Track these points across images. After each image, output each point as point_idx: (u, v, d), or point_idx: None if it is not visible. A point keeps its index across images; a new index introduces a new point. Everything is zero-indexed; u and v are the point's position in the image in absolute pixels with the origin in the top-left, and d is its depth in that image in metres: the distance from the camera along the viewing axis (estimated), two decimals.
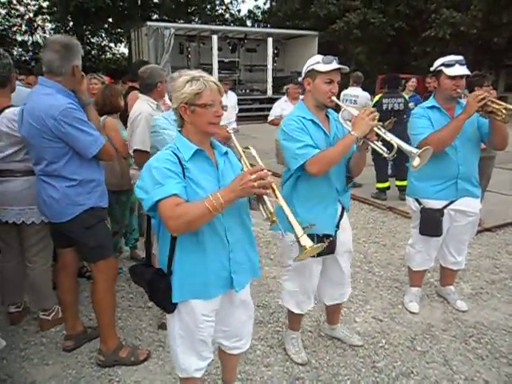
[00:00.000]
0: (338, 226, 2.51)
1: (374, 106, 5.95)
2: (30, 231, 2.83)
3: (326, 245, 2.39)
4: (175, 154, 1.76)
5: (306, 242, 1.70)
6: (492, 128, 2.77)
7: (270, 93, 17.45)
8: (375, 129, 2.17)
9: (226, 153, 1.93)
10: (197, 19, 27.63)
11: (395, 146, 2.12)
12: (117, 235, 3.77)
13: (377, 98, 6.05)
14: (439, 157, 2.86)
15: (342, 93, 6.67)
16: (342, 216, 2.54)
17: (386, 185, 6.12)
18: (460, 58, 2.81)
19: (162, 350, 2.80)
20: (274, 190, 1.69)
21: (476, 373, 2.58)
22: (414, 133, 2.92)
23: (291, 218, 1.73)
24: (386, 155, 2.18)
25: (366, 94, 6.50)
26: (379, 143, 2.20)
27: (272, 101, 17.51)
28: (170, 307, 1.84)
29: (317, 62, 2.31)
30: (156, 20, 23.64)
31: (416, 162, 2.15)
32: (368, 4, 20.58)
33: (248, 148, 1.88)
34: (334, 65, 2.27)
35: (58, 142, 2.32)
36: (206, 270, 1.80)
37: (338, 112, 2.46)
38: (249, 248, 1.97)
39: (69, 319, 2.80)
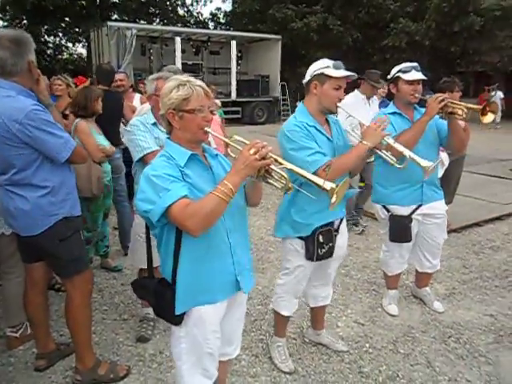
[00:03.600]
0: (337, 231, 2.51)
1: None
2: (2, 242, 2.63)
3: (326, 250, 2.42)
4: (171, 161, 1.69)
5: (331, 184, 1.70)
6: (451, 130, 2.85)
7: (234, 96, 17.42)
8: (386, 139, 2.24)
9: (217, 155, 1.89)
10: (158, 20, 27.19)
11: (407, 156, 2.22)
12: (89, 244, 3.59)
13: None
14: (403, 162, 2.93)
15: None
16: (341, 220, 2.55)
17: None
18: (415, 64, 2.90)
19: (143, 365, 2.68)
20: (275, 160, 1.66)
21: (458, 373, 2.63)
22: None
23: (305, 173, 1.73)
24: (397, 166, 2.26)
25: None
26: (388, 153, 2.28)
27: (236, 104, 17.63)
28: (176, 319, 1.77)
29: (327, 66, 2.28)
30: (116, 20, 23.05)
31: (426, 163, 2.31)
32: (328, 10, 20.99)
33: (231, 137, 1.82)
34: (344, 72, 2.27)
35: (25, 147, 2.13)
36: (212, 276, 1.76)
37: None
38: (247, 250, 1.95)
39: (40, 338, 2.61)
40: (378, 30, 20.75)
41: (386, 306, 3.36)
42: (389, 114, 3.00)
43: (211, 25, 28.72)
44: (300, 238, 2.45)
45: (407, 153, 2.20)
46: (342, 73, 2.25)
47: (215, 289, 1.77)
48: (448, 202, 5.03)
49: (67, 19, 24.95)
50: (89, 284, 2.52)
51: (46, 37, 25.48)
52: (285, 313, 2.65)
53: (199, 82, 1.71)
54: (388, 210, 3.10)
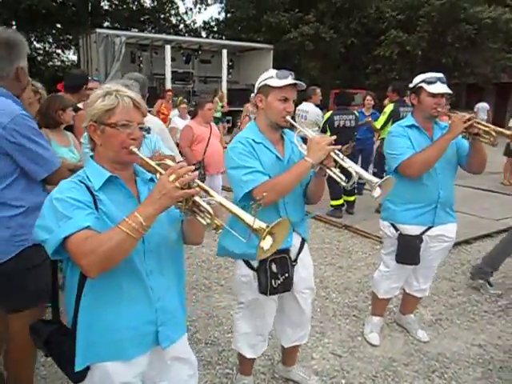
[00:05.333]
0: (296, 261, 2.23)
1: (325, 123, 5.83)
2: None
3: (281, 281, 2.14)
4: (82, 183, 1.42)
5: (261, 224, 1.35)
6: (473, 151, 2.62)
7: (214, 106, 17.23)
8: (332, 154, 1.93)
9: (152, 179, 1.60)
10: (150, 28, 27.06)
11: (354, 174, 1.90)
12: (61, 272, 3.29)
13: (328, 114, 5.91)
14: (419, 180, 2.69)
15: (297, 108, 6.51)
16: (301, 248, 2.27)
17: (340, 202, 5.97)
18: (441, 75, 2.65)
19: None
20: (203, 189, 1.38)
21: None
22: (395, 153, 2.69)
23: (233, 208, 1.38)
24: (343, 184, 1.95)
25: (317, 110, 6.36)
26: (337, 170, 1.97)
27: (227, 113, 17.43)
28: (77, 376, 1.45)
29: (270, 76, 2.04)
30: (107, 28, 22.88)
31: (376, 192, 1.90)
32: (320, 19, 20.98)
33: (162, 159, 1.53)
34: (289, 80, 2.00)
35: (2, 158, 1.86)
36: (122, 325, 1.45)
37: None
38: (180, 294, 1.65)
39: None
40: (371, 38, 20.75)
41: (368, 335, 3.10)
42: (406, 126, 2.76)
43: (204, 33, 28.65)
44: (251, 268, 2.18)
45: (353, 170, 1.91)
46: (286, 81, 1.99)
47: (126, 341, 1.46)
48: None
49: (58, 25, 24.77)
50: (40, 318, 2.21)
51: (35, 43, 25.20)
52: (250, 355, 2.38)
53: (130, 93, 1.45)
54: (397, 229, 2.84)
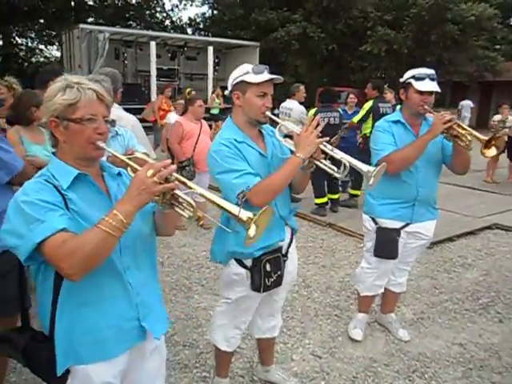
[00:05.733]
0: (286, 255, 2.20)
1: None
2: None
3: (274, 279, 2.11)
4: (49, 183, 1.34)
5: (247, 214, 1.37)
6: (455, 151, 2.58)
7: (210, 102, 17.09)
8: (321, 146, 1.90)
9: (120, 174, 1.54)
10: (135, 25, 26.73)
11: (347, 164, 1.87)
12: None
13: (312, 111, 5.89)
14: (398, 176, 2.67)
15: (280, 105, 6.45)
16: (291, 241, 2.25)
17: (324, 200, 5.94)
18: (431, 72, 2.59)
19: None
20: (182, 182, 1.35)
21: None
22: (377, 148, 2.69)
23: (217, 200, 1.39)
24: (337, 175, 1.93)
25: (301, 108, 6.31)
26: (327, 162, 1.94)
27: (224, 109, 17.29)
28: (56, 381, 1.40)
29: (246, 72, 1.97)
30: (91, 24, 22.53)
31: (372, 180, 1.90)
32: (307, 18, 20.95)
33: (133, 154, 1.49)
34: (266, 75, 1.94)
35: None
36: (104, 324, 1.41)
37: (273, 126, 2.16)
38: (156, 288, 1.64)
39: None
40: (357, 37, 20.79)
41: (351, 330, 3.07)
42: (392, 121, 2.73)
43: (189, 30, 28.41)
44: (244, 267, 2.13)
45: (346, 161, 1.88)
46: (263, 77, 1.93)
47: (108, 341, 1.42)
48: None
49: (41, 21, 24.32)
50: None
51: (17, 39, 24.72)
52: (224, 347, 2.31)
53: (92, 85, 1.38)
54: (376, 223, 2.83)
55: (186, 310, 3.42)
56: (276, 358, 2.71)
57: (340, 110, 6.13)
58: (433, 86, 2.54)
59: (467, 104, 17.56)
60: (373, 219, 2.86)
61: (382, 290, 3.07)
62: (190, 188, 1.35)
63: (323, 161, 1.94)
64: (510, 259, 4.61)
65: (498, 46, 21.04)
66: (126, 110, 11.41)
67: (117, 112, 2.74)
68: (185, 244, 4.73)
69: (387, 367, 2.75)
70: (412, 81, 2.58)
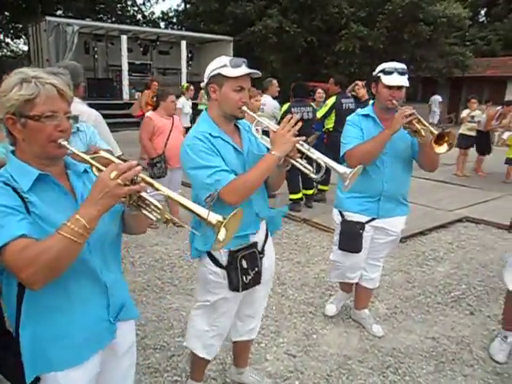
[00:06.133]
0: (262, 252, 2.14)
1: (282, 116, 5.74)
2: None
3: (252, 276, 2.05)
4: (8, 185, 1.25)
5: (217, 217, 1.30)
6: (419, 148, 2.56)
7: (199, 98, 16.86)
8: (298, 145, 1.84)
9: (86, 171, 1.46)
10: (106, 18, 26.08)
11: (323, 164, 1.82)
12: None
13: (285, 106, 5.83)
14: (365, 171, 2.62)
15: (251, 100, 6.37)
16: (266, 238, 2.19)
17: (299, 196, 5.92)
18: (400, 66, 2.55)
19: None
20: (147, 182, 1.28)
21: None
22: (344, 141, 2.68)
23: (184, 202, 1.31)
24: (313, 176, 1.89)
25: (274, 103, 6.26)
26: (303, 161, 1.88)
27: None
28: None
29: (223, 64, 1.88)
30: (59, 16, 21.84)
31: (347, 182, 1.87)
32: (283, 13, 20.89)
33: (97, 152, 1.40)
34: (244, 69, 1.87)
35: None
36: (75, 329, 1.35)
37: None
38: (125, 286, 1.61)
39: None
40: (332, 34, 20.87)
41: (327, 305, 3.23)
42: (362, 115, 2.71)
43: (162, 24, 27.93)
44: (220, 266, 2.05)
45: (322, 161, 1.83)
46: (241, 71, 1.86)
47: (80, 345, 1.37)
48: None
49: (6, 13, 23.42)
50: None
51: None
52: (203, 355, 2.23)
53: (52, 79, 1.28)
54: (343, 216, 2.82)
55: (158, 311, 3.32)
56: (250, 359, 2.66)
57: (313, 104, 6.10)
58: (401, 81, 2.51)
59: (436, 99, 17.97)
60: (340, 213, 2.85)
61: (356, 280, 3.07)
62: (157, 189, 1.29)
63: (299, 160, 1.89)
64: (480, 252, 4.69)
65: (467, 43, 21.53)
66: (98, 105, 11.18)
67: (78, 107, 2.61)
68: (157, 243, 4.61)
69: (361, 364, 2.74)
70: (381, 75, 2.56)
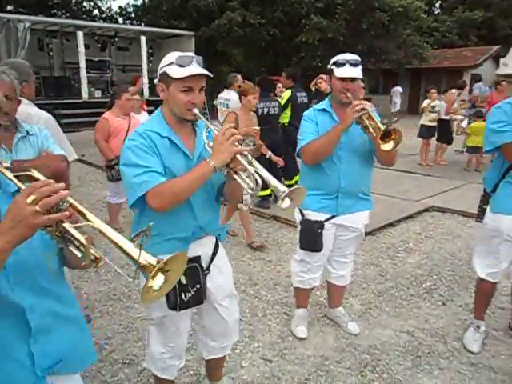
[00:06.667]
0: (208, 268, 1.98)
1: None
2: None
3: (192, 294, 1.89)
4: None
5: (150, 259, 1.08)
6: (373, 143, 2.47)
7: (146, 94, 16.40)
8: (238, 156, 1.65)
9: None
10: (60, 14, 25.06)
11: (259, 181, 1.64)
12: None
13: None
14: (321, 167, 2.58)
15: (218, 96, 6.22)
16: (215, 253, 2.02)
17: (267, 192, 5.82)
18: (353, 57, 2.46)
19: None
20: (77, 210, 1.08)
21: None
22: (300, 137, 2.59)
23: (116, 238, 1.09)
24: (249, 191, 1.67)
25: None
26: (244, 174, 1.70)
27: (150, 103, 16.61)
28: None
29: (170, 62, 1.73)
30: (10, 12, 20.78)
31: (285, 204, 1.65)
32: (245, 6, 20.69)
33: (29, 171, 1.17)
34: (193, 68, 1.70)
35: None
36: None
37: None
38: (70, 321, 1.34)
39: None
40: (294, 26, 20.86)
41: (295, 329, 2.99)
42: (318, 110, 2.61)
43: (120, 20, 27.12)
44: None
45: (259, 176, 1.64)
46: (188, 71, 1.69)
47: None
48: None
49: None
50: None
51: None
52: (164, 376, 2.10)
53: None
54: (303, 215, 2.72)
55: (125, 321, 3.15)
56: (225, 367, 2.54)
57: (278, 99, 6.00)
58: (354, 73, 2.42)
59: (397, 90, 18.34)
60: (300, 211, 2.77)
61: (317, 284, 2.98)
62: (88, 220, 1.08)
63: (241, 173, 1.70)
64: (448, 240, 4.76)
65: (423, 34, 22.05)
66: (56, 105, 10.69)
67: (26, 109, 2.40)
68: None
69: (339, 364, 2.68)
70: (334, 67, 2.49)
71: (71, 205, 1.06)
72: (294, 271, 2.97)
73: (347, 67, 2.42)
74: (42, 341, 1.21)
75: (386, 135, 2.28)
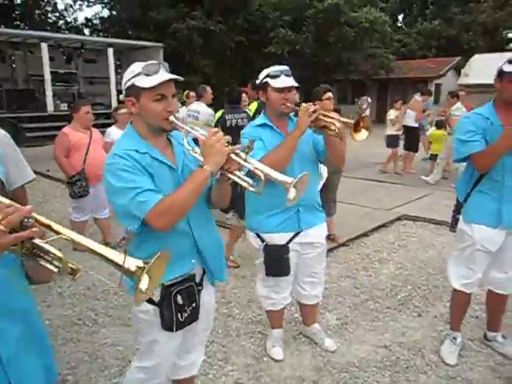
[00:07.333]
0: (201, 284, 1.91)
1: (216, 123, 5.53)
2: None
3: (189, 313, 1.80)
4: None
5: (136, 262, 1.07)
6: (328, 144, 2.45)
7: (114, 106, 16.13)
8: (232, 155, 1.61)
9: None
10: (24, 25, 24.44)
11: (262, 176, 1.59)
12: None
13: (219, 113, 5.60)
14: (273, 184, 2.47)
15: (187, 108, 6.11)
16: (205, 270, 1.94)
17: None
18: (285, 68, 2.45)
19: None
20: (43, 225, 1.04)
21: None
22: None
23: (95, 246, 1.07)
24: (252, 189, 1.63)
25: (209, 110, 6.03)
26: (241, 173, 1.66)
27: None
28: None
29: (137, 73, 1.65)
30: None
31: (292, 193, 1.63)
32: (207, 15, 20.75)
33: None
34: (162, 75, 1.64)
35: None
36: None
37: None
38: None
39: None
40: (260, 37, 21.09)
41: (270, 350, 2.87)
42: (257, 126, 2.53)
43: (87, 31, 26.71)
44: (151, 302, 1.79)
45: (260, 171, 1.62)
46: (158, 78, 1.63)
47: None
48: (331, 214, 4.81)
49: None
50: None
51: None
52: None
53: None
54: (263, 240, 2.60)
55: (91, 348, 2.96)
56: None
57: (247, 110, 5.94)
58: (290, 81, 2.41)
59: (364, 99, 18.68)
60: (258, 235, 2.63)
61: (289, 301, 2.88)
62: (57, 233, 1.03)
63: (237, 173, 1.66)
64: (420, 249, 4.78)
65: (389, 46, 22.71)
66: (19, 118, 10.40)
67: None
68: (89, 267, 4.20)
69: None
70: (268, 80, 2.44)
71: (37, 220, 1.03)
72: (262, 294, 2.83)
73: (283, 77, 2.40)
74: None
75: (355, 126, 2.26)
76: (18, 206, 0.99)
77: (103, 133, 5.03)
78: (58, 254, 1.02)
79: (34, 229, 1.00)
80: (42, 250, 1.02)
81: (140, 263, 1.06)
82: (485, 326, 3.03)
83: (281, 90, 2.39)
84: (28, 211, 0.98)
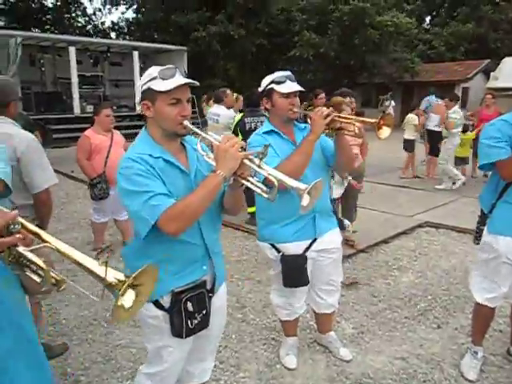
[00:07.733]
0: (212, 290, 1.88)
1: (236, 126, 5.52)
2: None
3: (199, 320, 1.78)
4: None
5: (117, 275, 1.01)
6: (339, 148, 2.40)
7: (139, 109, 16.32)
8: (246, 161, 1.59)
9: None
10: (53, 29, 25.14)
11: (275, 182, 1.56)
12: None
13: (238, 117, 5.60)
14: (287, 192, 2.41)
15: (208, 111, 6.13)
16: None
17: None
18: (288, 73, 2.42)
19: None
20: (31, 232, 1.01)
21: None
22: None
23: (78, 257, 1.02)
24: (265, 196, 1.60)
25: (230, 113, 6.02)
26: (255, 179, 1.64)
27: (142, 117, 16.57)
28: None
29: (153, 77, 1.65)
30: (1, 28, 20.80)
31: (306, 200, 1.59)
32: (229, 19, 20.86)
33: None
34: (177, 79, 1.63)
35: None
36: None
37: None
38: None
39: None
40: (283, 40, 21.08)
41: (283, 358, 2.82)
42: (264, 133, 2.47)
43: (113, 34, 27.27)
44: (161, 308, 1.78)
45: (274, 178, 1.57)
46: (173, 82, 1.62)
47: None
48: (352, 220, 4.73)
49: None
50: None
51: None
52: None
53: None
54: (278, 250, 2.55)
55: (104, 350, 2.99)
56: None
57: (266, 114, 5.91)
58: (296, 86, 2.37)
59: (389, 103, 18.40)
60: (273, 246, 2.57)
61: (304, 310, 2.83)
62: (44, 240, 0.99)
63: (250, 179, 1.64)
64: (442, 258, 4.64)
65: (415, 48, 22.33)
66: (47, 119, 10.69)
67: (7, 129, 2.30)
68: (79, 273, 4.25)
69: None
70: (273, 86, 2.39)
71: (24, 226, 0.99)
72: (277, 304, 2.78)
73: (289, 82, 2.36)
74: None
75: (379, 124, 2.21)
76: (6, 210, 0.96)
77: (125, 135, 5.08)
78: (41, 263, 0.98)
79: (18, 235, 0.96)
80: (26, 258, 0.99)
81: (121, 276, 1.00)
82: (508, 340, 2.91)
83: (287, 96, 2.36)
84: (13, 216, 0.96)
